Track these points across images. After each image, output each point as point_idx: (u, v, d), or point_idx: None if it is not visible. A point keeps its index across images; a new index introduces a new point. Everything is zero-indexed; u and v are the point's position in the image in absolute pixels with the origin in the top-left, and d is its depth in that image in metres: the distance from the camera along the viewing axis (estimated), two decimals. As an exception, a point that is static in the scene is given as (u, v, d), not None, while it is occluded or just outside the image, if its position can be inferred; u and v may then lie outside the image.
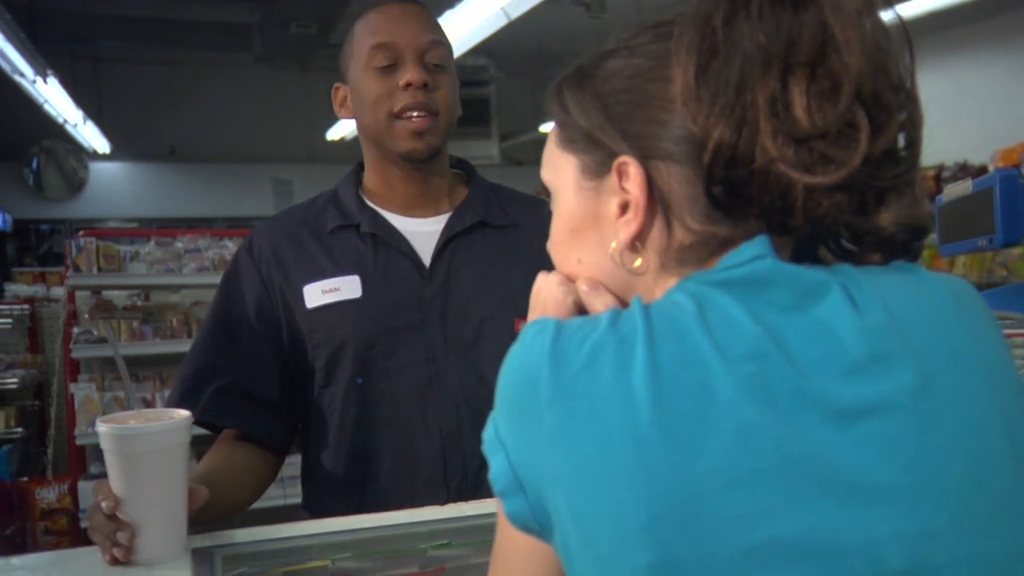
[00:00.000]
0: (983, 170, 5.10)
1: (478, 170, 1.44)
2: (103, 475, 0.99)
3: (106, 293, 3.72)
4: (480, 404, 1.25)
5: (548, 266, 0.68)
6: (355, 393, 1.26)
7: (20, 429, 4.20)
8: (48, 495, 3.49)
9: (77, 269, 3.36)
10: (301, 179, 9.14)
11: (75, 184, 9.34)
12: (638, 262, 0.60)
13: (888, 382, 0.51)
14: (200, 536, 1.02)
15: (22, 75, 5.46)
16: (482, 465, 1.26)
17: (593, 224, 0.62)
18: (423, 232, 1.31)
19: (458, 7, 4.22)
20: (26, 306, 4.46)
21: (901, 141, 0.55)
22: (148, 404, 3.37)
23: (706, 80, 0.54)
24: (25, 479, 3.68)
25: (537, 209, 1.36)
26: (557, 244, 0.66)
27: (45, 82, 5.67)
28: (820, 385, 0.50)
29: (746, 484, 0.48)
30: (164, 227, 6.40)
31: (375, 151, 1.32)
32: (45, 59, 5.53)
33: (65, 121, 7.21)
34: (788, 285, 0.53)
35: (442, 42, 1.29)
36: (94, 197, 9.38)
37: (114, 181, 9.47)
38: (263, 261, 1.31)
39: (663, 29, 0.59)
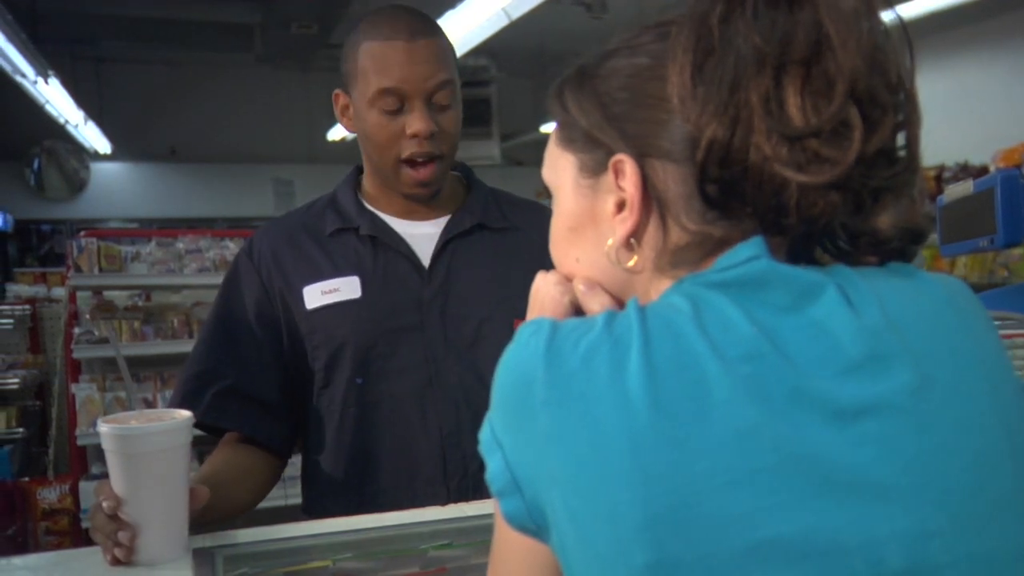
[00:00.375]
0: (984, 170, 5.10)
1: (479, 170, 1.45)
2: (104, 475, 0.99)
3: (107, 293, 3.72)
4: (479, 404, 1.24)
5: (547, 268, 0.68)
6: (355, 394, 1.26)
7: (21, 429, 4.21)
8: (49, 495, 3.49)
9: (78, 269, 3.36)
10: (302, 179, 9.15)
11: (76, 184, 9.34)
12: (633, 261, 0.60)
13: (886, 382, 0.51)
14: (201, 536, 1.02)
15: (23, 75, 5.47)
16: (482, 465, 1.25)
17: (591, 222, 0.62)
18: (422, 234, 1.31)
19: (459, 7, 4.22)
20: (27, 306, 4.46)
21: (901, 140, 0.55)
22: (149, 404, 3.37)
23: (701, 79, 0.54)
24: (26, 479, 3.68)
25: (536, 213, 1.37)
26: (556, 242, 0.66)
27: (46, 82, 5.68)
28: (817, 385, 0.50)
29: (744, 484, 0.47)
30: (165, 227, 6.40)
31: (377, 166, 1.31)
32: (46, 59, 5.54)
33: (66, 121, 7.22)
34: (784, 285, 0.53)
35: (450, 80, 1.25)
36: (95, 197, 9.39)
37: (115, 181, 9.47)
38: (263, 264, 1.31)
39: (663, 29, 0.60)
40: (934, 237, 1.66)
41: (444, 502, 1.20)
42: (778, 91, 0.52)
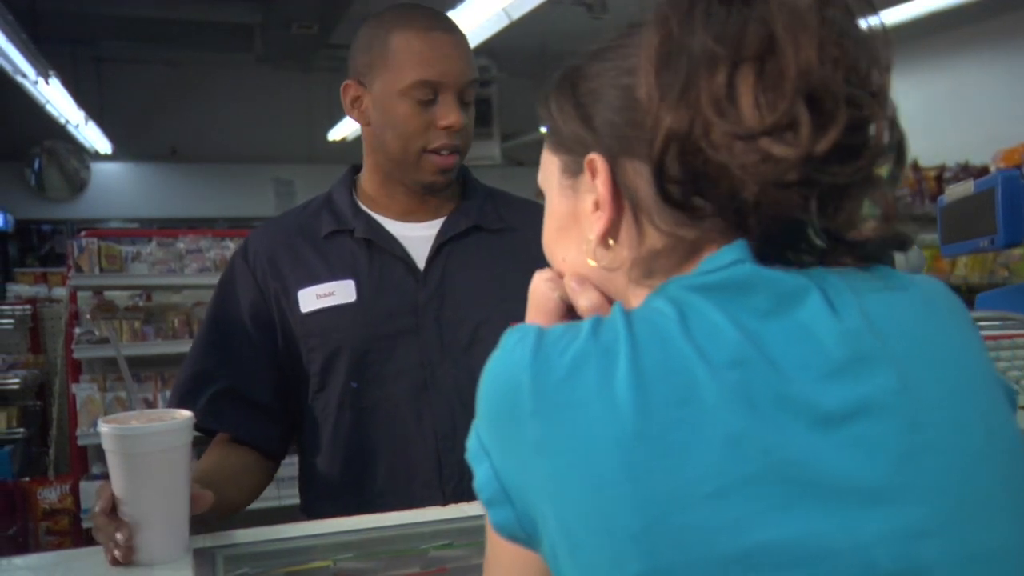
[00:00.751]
0: (984, 171, 5.10)
1: (480, 171, 1.44)
2: (105, 475, 0.99)
3: (108, 293, 3.72)
4: (475, 408, 1.24)
5: (544, 267, 0.69)
6: (350, 397, 1.26)
7: (22, 429, 4.21)
8: (50, 495, 3.49)
9: (79, 269, 3.36)
10: (302, 179, 9.16)
11: (77, 184, 9.34)
12: (610, 260, 0.60)
13: (869, 384, 0.51)
14: (202, 536, 1.02)
15: (24, 76, 5.47)
16: None
17: (574, 222, 0.64)
18: (417, 237, 1.31)
19: (460, 7, 4.22)
20: (28, 306, 4.46)
21: (887, 136, 0.54)
22: (150, 404, 3.37)
23: (662, 80, 0.54)
24: (27, 479, 3.68)
25: (533, 213, 1.37)
26: (546, 243, 0.68)
27: (47, 82, 5.68)
28: (803, 389, 0.50)
29: (733, 491, 0.48)
30: (165, 227, 6.41)
31: (383, 164, 1.30)
32: (47, 59, 5.54)
33: (67, 121, 7.21)
34: (767, 289, 0.53)
35: (477, 78, 1.27)
36: (96, 197, 9.39)
37: (115, 181, 9.47)
38: (258, 266, 1.31)
39: (637, 31, 0.60)
40: (935, 237, 1.66)
41: (441, 505, 1.20)
42: (731, 90, 0.52)
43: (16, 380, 4.11)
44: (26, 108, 6.57)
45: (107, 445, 0.94)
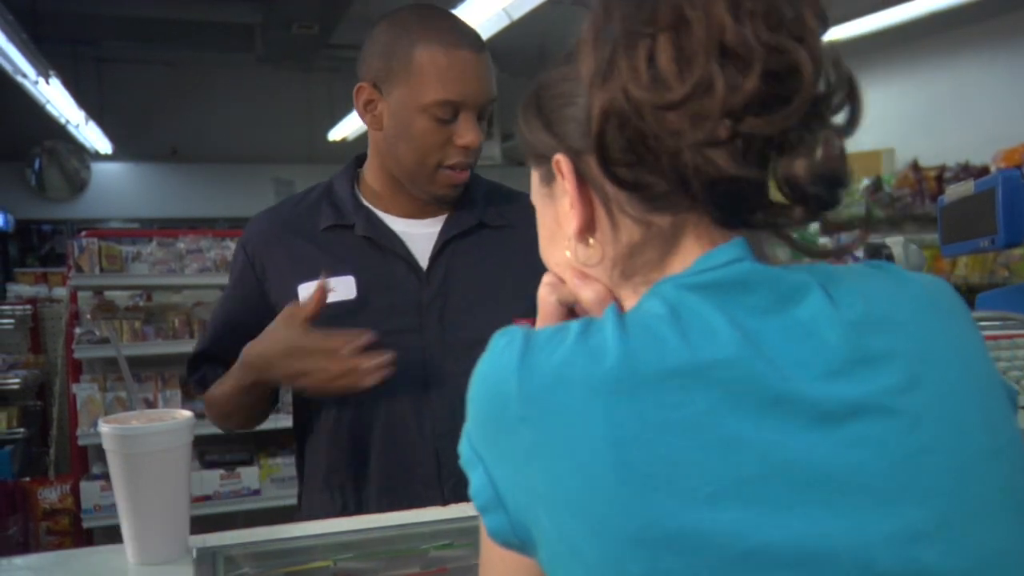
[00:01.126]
0: (985, 171, 5.10)
1: (480, 170, 1.44)
2: (105, 475, 0.99)
3: (108, 293, 3.72)
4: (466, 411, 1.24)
5: (542, 264, 0.70)
6: (352, 395, 1.26)
7: (22, 429, 4.20)
8: (50, 495, 3.48)
9: (79, 269, 3.36)
10: (302, 179, 9.14)
11: (77, 184, 9.34)
12: (591, 256, 0.61)
13: (872, 382, 0.51)
14: (202, 537, 1.02)
15: (24, 76, 5.47)
16: None
17: (558, 227, 0.65)
18: (419, 234, 1.30)
19: (460, 7, 4.22)
20: (28, 306, 4.46)
21: (832, 77, 0.52)
22: (150, 404, 3.37)
23: (593, 64, 0.54)
24: (27, 479, 3.67)
25: (531, 208, 1.37)
26: (542, 253, 0.69)
27: (47, 82, 5.68)
28: (802, 388, 0.49)
29: (731, 494, 0.47)
30: (166, 227, 6.41)
31: (391, 169, 1.29)
32: (47, 59, 5.54)
33: (67, 121, 7.22)
34: (767, 287, 0.53)
35: (496, 96, 1.27)
36: (96, 197, 9.39)
37: (116, 181, 9.48)
38: (256, 259, 1.32)
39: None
40: (934, 237, 1.65)
41: (440, 504, 1.20)
42: (652, 63, 0.51)
43: (16, 380, 4.10)
44: (26, 108, 6.57)
45: (107, 445, 0.94)
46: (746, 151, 0.51)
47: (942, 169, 5.70)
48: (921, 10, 4.89)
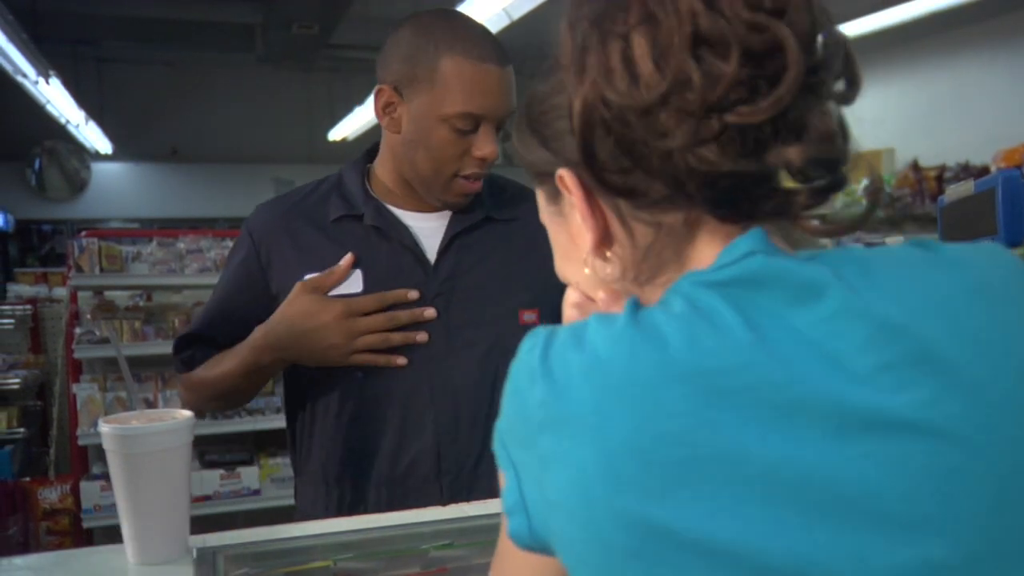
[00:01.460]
0: (985, 171, 5.09)
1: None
2: (105, 475, 0.99)
3: (108, 293, 3.72)
4: (480, 402, 1.25)
5: (550, 257, 0.68)
6: (355, 388, 1.26)
7: (22, 429, 4.20)
8: (50, 495, 3.48)
9: (79, 269, 3.35)
10: (302, 179, 8.99)
11: (77, 184, 9.34)
12: (611, 269, 0.58)
13: (897, 393, 0.45)
14: (202, 537, 1.03)
15: (24, 76, 5.47)
16: (477, 464, 1.26)
17: (572, 246, 0.62)
18: (428, 227, 1.30)
19: (460, 8, 4.22)
20: (28, 306, 4.46)
21: (821, 51, 0.49)
22: (150, 404, 3.37)
23: (571, 71, 0.53)
24: (27, 479, 3.67)
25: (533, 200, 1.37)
26: (559, 274, 0.66)
27: (47, 82, 5.68)
28: (818, 395, 0.45)
29: (734, 510, 0.44)
30: (166, 227, 6.41)
31: (404, 172, 1.29)
32: (47, 59, 5.54)
33: (67, 121, 7.21)
34: (782, 284, 0.49)
35: (515, 108, 1.26)
36: (96, 197, 9.39)
37: (116, 181, 9.47)
38: (262, 247, 1.31)
39: None
40: (935, 237, 1.65)
41: (437, 500, 1.20)
42: (628, 62, 0.50)
43: (16, 380, 4.10)
44: (26, 108, 6.57)
45: (107, 445, 0.94)
46: (741, 142, 0.48)
47: (942, 169, 5.70)
48: (921, 10, 4.89)
